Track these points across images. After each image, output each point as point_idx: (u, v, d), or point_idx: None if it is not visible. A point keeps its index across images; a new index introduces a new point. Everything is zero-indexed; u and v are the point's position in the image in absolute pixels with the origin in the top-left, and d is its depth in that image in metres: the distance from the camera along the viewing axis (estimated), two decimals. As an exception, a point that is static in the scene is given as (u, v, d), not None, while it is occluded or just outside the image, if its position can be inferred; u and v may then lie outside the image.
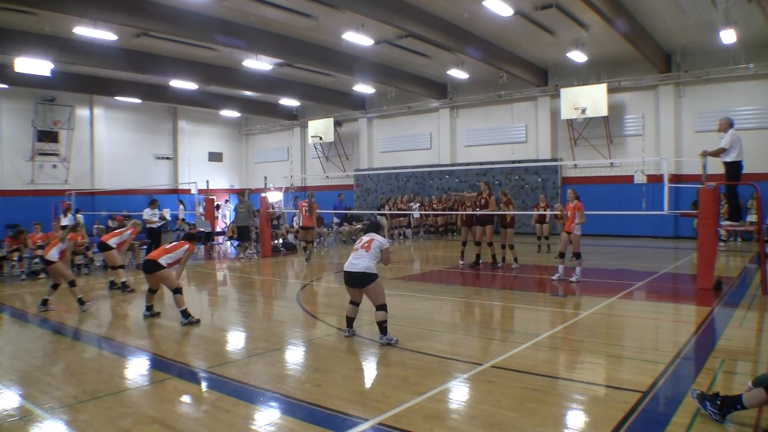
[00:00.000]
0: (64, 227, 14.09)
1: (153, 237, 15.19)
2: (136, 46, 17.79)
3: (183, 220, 22.18)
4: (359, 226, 20.60)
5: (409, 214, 21.04)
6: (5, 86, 20.50)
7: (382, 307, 6.04)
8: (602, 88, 19.15)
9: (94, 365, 5.70)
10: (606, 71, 19.88)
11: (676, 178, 18.05)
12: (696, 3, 14.02)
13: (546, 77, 21.53)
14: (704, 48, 17.88)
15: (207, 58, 19.48)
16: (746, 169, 9.58)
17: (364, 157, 27.00)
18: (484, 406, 4.21)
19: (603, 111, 19.10)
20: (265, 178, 21.17)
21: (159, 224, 15.70)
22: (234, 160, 31.99)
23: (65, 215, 16.99)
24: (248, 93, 25.54)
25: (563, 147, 21.35)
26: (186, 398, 4.64)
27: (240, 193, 20.45)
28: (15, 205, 21.51)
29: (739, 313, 7.32)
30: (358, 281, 6.12)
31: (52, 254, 8.38)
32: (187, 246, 7.74)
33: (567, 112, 19.90)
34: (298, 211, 16.13)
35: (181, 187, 27.12)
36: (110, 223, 19.89)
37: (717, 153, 9.17)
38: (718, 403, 3.76)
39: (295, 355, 5.99)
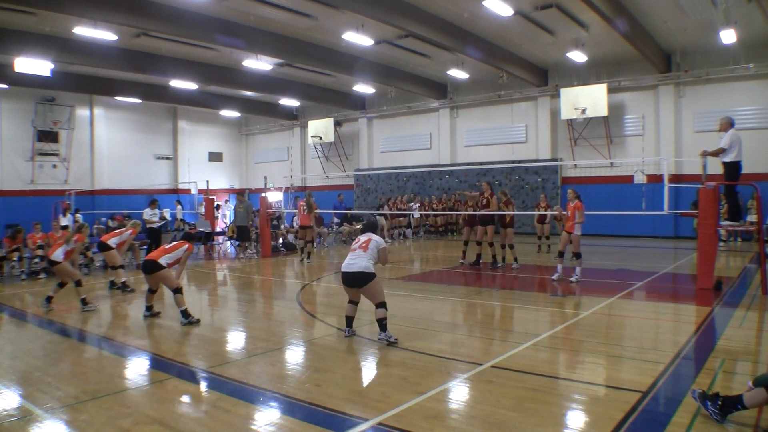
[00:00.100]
0: (64, 227, 14.15)
1: (153, 237, 15.20)
2: (136, 46, 17.80)
3: (181, 220, 22.17)
4: (359, 226, 20.61)
5: (409, 214, 21.04)
6: (5, 86, 20.50)
7: (381, 305, 6.06)
8: (602, 88, 19.16)
9: (94, 365, 5.70)
10: (606, 71, 19.88)
11: (676, 178, 18.05)
12: (696, 3, 14.02)
13: (546, 77, 21.53)
14: (704, 48, 17.88)
15: (207, 58, 19.48)
16: (746, 169, 9.58)
17: (364, 157, 27.00)
18: (484, 406, 4.21)
19: (603, 111, 19.10)
20: (265, 178, 21.17)
21: (159, 224, 15.71)
22: (234, 160, 32.00)
23: (65, 215, 17.00)
24: (248, 93, 25.54)
25: (563, 147, 21.35)
26: (186, 398, 4.64)
27: (239, 193, 20.47)
28: (15, 205, 21.50)
29: (739, 313, 7.32)
30: (356, 281, 6.13)
31: (57, 254, 8.39)
32: (186, 246, 7.74)
33: (567, 112, 19.90)
34: (297, 210, 16.13)
35: (181, 187, 27.13)
36: (110, 223, 19.87)
37: (717, 153, 9.17)
38: (719, 403, 3.76)
39: (295, 355, 5.99)
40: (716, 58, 17.95)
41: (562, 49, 17.96)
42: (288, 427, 3.93)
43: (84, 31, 14.63)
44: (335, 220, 21.22)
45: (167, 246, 7.80)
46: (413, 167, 23.82)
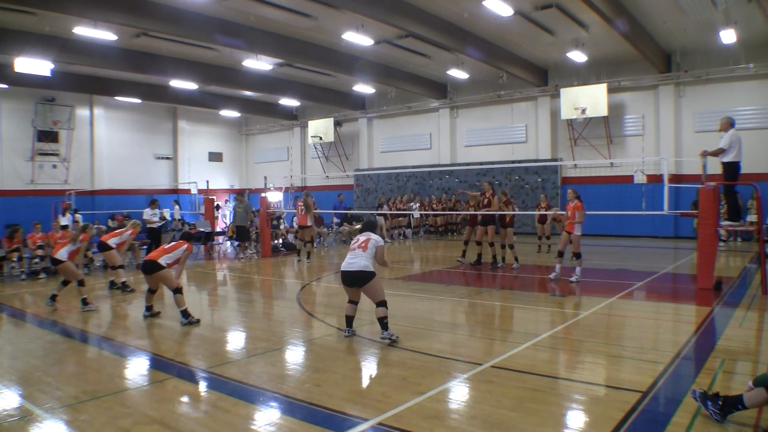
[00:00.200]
0: (64, 227, 14.14)
1: (153, 237, 15.20)
2: (136, 46, 17.79)
3: (179, 220, 22.16)
4: (358, 226, 20.61)
5: (409, 214, 21.04)
6: (5, 86, 20.50)
7: (382, 304, 6.08)
8: (602, 88, 19.15)
9: (94, 365, 5.71)
10: (606, 71, 19.88)
11: (676, 178, 18.05)
12: (696, 3, 14.02)
13: (546, 77, 21.53)
14: (704, 48, 17.88)
15: (207, 58, 19.48)
16: (746, 169, 9.58)
17: (364, 157, 27.00)
18: (484, 406, 4.21)
19: (603, 111, 19.10)
20: (265, 178, 21.16)
21: (159, 224, 15.71)
22: (234, 160, 31.99)
23: (64, 215, 17.00)
24: (248, 93, 25.54)
25: (563, 147, 21.35)
26: (186, 398, 4.64)
27: (239, 193, 20.47)
28: (15, 205, 21.49)
29: (739, 313, 7.32)
30: (356, 280, 6.14)
31: (61, 254, 8.40)
32: (186, 246, 7.74)
33: (567, 112, 19.90)
34: (296, 210, 16.14)
35: (181, 187, 27.12)
36: (110, 223, 19.89)
37: (716, 153, 9.18)
38: (720, 403, 3.76)
39: (295, 355, 5.99)
40: (716, 58, 17.95)
41: (562, 49, 17.96)
42: (288, 427, 3.93)
43: (84, 31, 14.63)
44: (335, 220, 21.22)
45: (166, 246, 7.80)
46: (413, 167, 23.82)
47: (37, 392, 4.70)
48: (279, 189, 23.32)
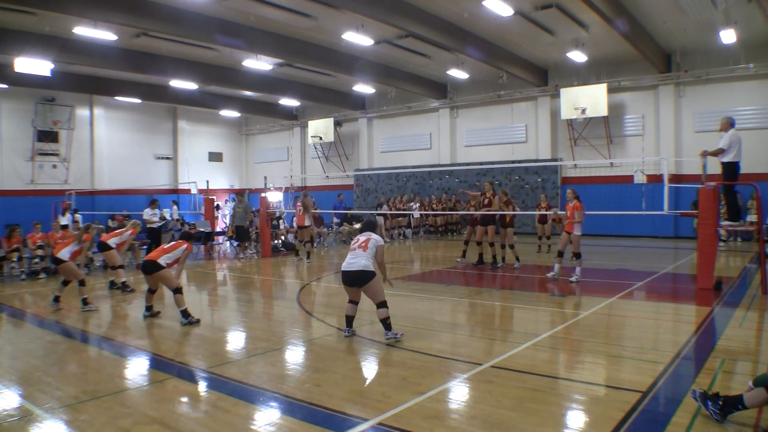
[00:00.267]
0: (64, 226, 14.14)
1: (153, 237, 15.20)
2: (136, 46, 17.79)
3: (178, 220, 22.16)
4: (357, 225, 20.60)
5: (409, 214, 21.04)
6: (5, 86, 20.50)
7: (382, 305, 6.08)
8: (602, 88, 19.15)
9: (94, 365, 5.71)
10: (606, 71, 19.88)
11: (676, 178, 18.05)
12: (696, 3, 14.02)
13: (546, 77, 21.53)
14: (704, 48, 17.88)
15: (207, 58, 19.48)
16: (746, 169, 9.59)
17: (364, 157, 27.00)
18: (484, 406, 4.21)
19: (603, 111, 19.10)
20: (265, 178, 21.16)
21: (159, 224, 15.71)
22: (234, 160, 31.99)
23: (64, 215, 17.00)
24: (248, 93, 25.54)
25: (563, 147, 21.34)
26: (186, 398, 4.64)
27: (238, 193, 20.47)
28: (15, 205, 21.48)
29: (739, 313, 7.32)
30: (356, 280, 6.14)
31: (63, 253, 8.40)
32: (185, 245, 7.74)
33: (567, 112, 19.89)
34: (296, 211, 16.16)
35: (181, 187, 27.12)
36: (110, 223, 19.89)
37: (716, 153, 9.18)
38: (720, 403, 3.76)
39: (295, 355, 5.99)
40: (716, 58, 17.94)
41: (562, 49, 17.96)
42: (288, 427, 3.93)
43: (84, 31, 14.63)
44: (335, 220, 21.22)
45: (166, 246, 7.79)
46: (413, 167, 23.82)
47: (37, 392, 4.70)
48: (279, 189, 23.32)
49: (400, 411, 4.10)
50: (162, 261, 7.38)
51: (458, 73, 20.63)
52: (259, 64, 18.75)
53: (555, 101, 20.92)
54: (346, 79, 22.07)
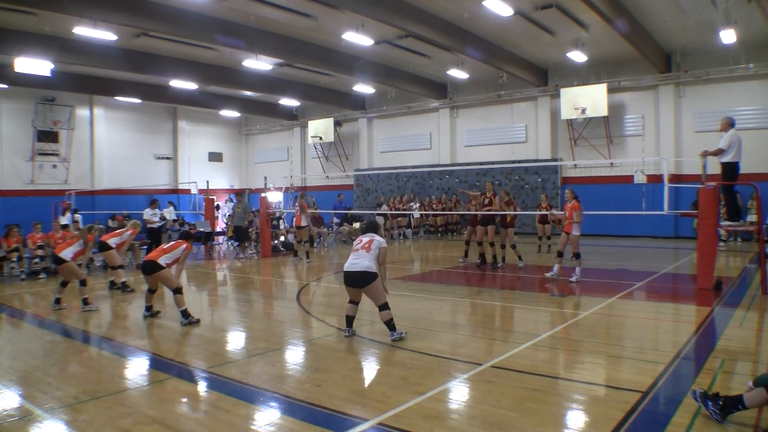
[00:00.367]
0: (64, 226, 14.14)
1: (153, 237, 15.20)
2: (136, 46, 17.79)
3: (175, 220, 22.15)
4: (357, 225, 20.61)
5: (409, 214, 21.04)
6: (5, 86, 20.49)
7: (384, 306, 6.09)
8: (602, 88, 19.16)
9: (94, 365, 5.71)
10: (606, 71, 19.88)
11: (676, 178, 18.06)
12: (696, 3, 14.02)
13: (546, 77, 21.53)
14: (704, 48, 17.88)
15: (207, 58, 19.48)
16: (746, 169, 9.59)
17: (364, 157, 27.00)
18: (484, 406, 4.21)
19: (603, 111, 19.10)
20: (265, 178, 21.15)
21: (159, 224, 15.71)
22: (234, 160, 31.99)
23: (64, 215, 17.01)
24: (248, 93, 25.54)
25: (563, 147, 21.35)
26: (186, 398, 4.64)
27: (237, 193, 20.48)
28: (15, 205, 21.48)
29: (739, 313, 7.32)
30: (359, 281, 6.13)
31: (65, 253, 8.40)
32: (185, 245, 7.74)
33: (567, 112, 19.90)
34: (295, 211, 16.19)
35: (181, 187, 27.12)
36: (110, 223, 19.89)
37: (716, 153, 9.19)
38: (720, 403, 3.76)
39: (295, 355, 5.99)
40: (716, 58, 17.95)
41: (562, 49, 17.96)
42: (288, 427, 3.93)
43: (84, 31, 14.62)
44: (335, 220, 21.22)
45: (165, 246, 7.79)
46: (413, 167, 23.82)
47: (37, 392, 4.70)
48: (279, 189, 23.32)
49: (400, 411, 4.10)
50: (162, 261, 7.37)
51: (458, 73, 20.63)
52: (259, 64, 18.75)
53: (555, 101, 20.92)
54: (346, 79, 22.07)
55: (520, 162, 21.82)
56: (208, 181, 19.23)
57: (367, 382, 5.06)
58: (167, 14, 14.28)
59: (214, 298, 10.08)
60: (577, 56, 18.04)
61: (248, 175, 32.12)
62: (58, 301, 8.45)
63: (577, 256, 10.07)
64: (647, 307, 8.39)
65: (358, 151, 27.40)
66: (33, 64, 16.65)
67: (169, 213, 23.05)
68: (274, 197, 24.36)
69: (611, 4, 13.67)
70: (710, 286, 8.82)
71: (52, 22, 15.00)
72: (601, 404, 4.25)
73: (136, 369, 5.55)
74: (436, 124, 24.63)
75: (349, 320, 6.38)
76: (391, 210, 20.86)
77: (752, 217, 14.79)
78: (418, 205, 21.54)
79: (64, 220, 16.24)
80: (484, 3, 13.08)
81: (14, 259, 12.39)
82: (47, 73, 17.47)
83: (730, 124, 9.24)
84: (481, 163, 22.64)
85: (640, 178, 19.24)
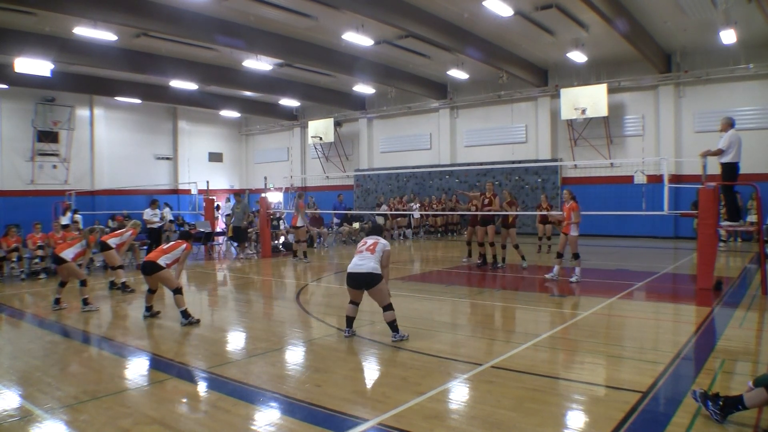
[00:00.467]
0: (65, 227, 14.14)
1: (153, 237, 15.20)
2: (136, 46, 17.79)
3: (171, 221, 22.15)
4: (357, 225, 20.61)
5: (409, 214, 21.04)
6: (5, 86, 20.49)
7: (388, 307, 6.10)
8: (602, 88, 19.16)
9: (94, 365, 5.71)
10: (606, 71, 19.88)
11: (676, 179, 18.07)
12: (696, 3, 14.02)
13: (546, 77, 21.53)
14: (704, 48, 17.88)
15: (207, 58, 19.48)
16: (746, 170, 9.59)
17: (364, 158, 27.00)
18: (484, 406, 4.21)
19: (603, 111, 19.10)
20: (265, 178, 21.20)
21: (159, 224, 15.70)
22: (234, 161, 31.99)
23: (64, 215, 17.00)
24: (248, 93, 25.53)
25: (563, 147, 21.35)
26: (186, 398, 4.64)
27: (236, 193, 20.49)
28: (15, 205, 21.48)
29: (739, 313, 7.32)
30: (363, 282, 6.13)
31: (66, 253, 8.40)
32: (184, 245, 7.74)
33: (567, 113, 19.90)
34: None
35: (181, 187, 27.12)
36: (110, 224, 19.89)
37: (716, 153, 9.19)
38: (720, 403, 3.76)
39: (295, 356, 5.99)
40: (716, 58, 17.95)
41: (562, 49, 17.96)
42: (288, 427, 3.93)
43: (84, 31, 14.63)
44: (335, 220, 21.22)
45: (165, 246, 7.79)
46: (413, 167, 23.81)
47: (37, 392, 4.70)
48: (279, 189, 23.32)
49: (401, 411, 4.10)
50: (162, 261, 7.37)
51: (458, 74, 20.63)
52: (259, 64, 18.75)
53: (555, 101, 20.93)
54: (346, 79, 22.07)
55: (520, 162, 21.82)
56: (208, 182, 19.25)
57: (367, 383, 5.06)
58: (167, 14, 14.28)
59: (214, 299, 10.08)
60: (577, 56, 18.04)
61: (248, 176, 32.12)
62: (57, 301, 8.46)
63: (575, 256, 10.07)
64: (647, 307, 8.39)
65: (358, 152, 27.40)
66: (33, 64, 16.65)
67: (167, 214, 23.04)
68: (274, 197, 24.36)
69: (611, 4, 13.67)
70: (710, 286, 8.82)
71: (52, 22, 15.00)
72: (601, 404, 4.25)
73: (136, 369, 5.55)
74: (436, 124, 24.64)
75: (350, 321, 6.38)
76: (391, 210, 20.86)
77: (752, 218, 14.80)
78: (418, 205, 21.54)
79: (65, 220, 16.23)
80: (484, 3, 13.09)
81: (14, 259, 12.39)
82: (47, 73, 17.47)
83: (730, 124, 9.24)
84: (481, 164, 22.64)
85: (640, 179, 19.24)
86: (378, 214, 21.43)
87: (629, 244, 17.44)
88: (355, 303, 6.36)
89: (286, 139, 30.51)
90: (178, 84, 21.44)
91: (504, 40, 17.69)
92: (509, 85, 21.72)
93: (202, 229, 16.72)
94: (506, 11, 13.65)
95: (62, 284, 8.55)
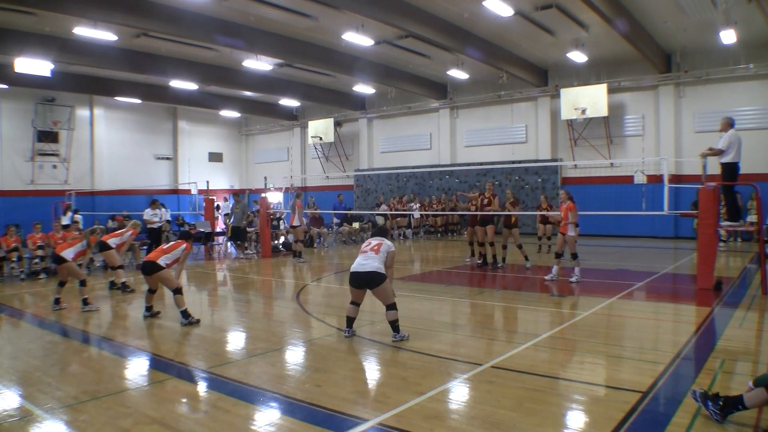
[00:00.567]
0: (65, 227, 14.15)
1: (153, 237, 15.20)
2: (136, 46, 17.79)
3: (167, 221, 22.12)
4: (357, 225, 20.61)
5: (409, 214, 21.04)
6: (5, 86, 20.50)
7: (392, 307, 6.10)
8: (602, 88, 19.16)
9: (94, 365, 5.70)
10: (606, 71, 19.88)
11: (676, 179, 18.07)
12: (696, 3, 14.02)
13: (546, 77, 21.53)
14: (704, 48, 17.88)
15: (207, 58, 19.48)
16: (746, 169, 9.59)
17: (364, 158, 27.00)
18: (484, 406, 4.21)
19: (603, 111, 19.10)
20: (265, 178, 21.20)
21: (159, 224, 15.71)
22: (234, 161, 31.99)
23: (65, 215, 17.01)
24: (248, 93, 25.53)
25: (563, 147, 21.34)
26: (186, 398, 4.64)
27: (235, 193, 20.50)
28: (15, 205, 21.48)
29: (739, 314, 7.32)
30: (367, 282, 6.13)
31: (67, 253, 8.40)
32: (184, 245, 7.74)
33: (567, 113, 19.90)
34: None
35: (181, 187, 27.12)
36: (110, 224, 19.87)
37: (716, 153, 9.20)
38: (720, 403, 3.76)
39: (295, 356, 5.99)
40: (716, 58, 17.95)
41: (562, 49, 17.96)
42: (288, 427, 3.93)
43: (84, 31, 14.63)
44: (335, 220, 21.23)
45: (165, 246, 7.79)
46: (413, 167, 23.81)
47: (37, 392, 4.70)
48: (279, 189, 23.32)
49: (401, 411, 4.10)
50: (161, 261, 7.37)
51: (458, 74, 20.63)
52: (259, 64, 18.75)
53: (555, 101, 20.93)
54: (346, 79, 22.07)
55: (520, 162, 21.82)
56: (208, 182, 19.26)
57: (367, 383, 5.06)
58: (167, 14, 14.28)
59: (214, 299, 10.08)
60: (577, 56, 18.04)
61: (248, 176, 32.12)
62: (57, 301, 8.46)
63: (574, 256, 10.07)
64: (647, 307, 8.39)
65: (358, 152, 27.39)
66: (33, 64, 16.65)
67: (164, 214, 23.03)
68: (274, 197, 24.36)
69: (611, 4, 13.68)
70: (710, 286, 8.82)
71: (52, 22, 15.00)
72: (601, 404, 4.25)
73: (136, 369, 5.55)
74: (436, 124, 24.63)
75: (350, 321, 6.38)
76: (390, 210, 20.86)
77: (752, 218, 14.80)
78: (418, 205, 21.54)
79: (65, 220, 16.24)
80: (484, 3, 13.09)
81: (14, 259, 12.39)
82: (47, 74, 17.47)
83: (729, 124, 9.24)
84: (481, 164, 22.63)
85: (640, 179, 19.24)
86: (378, 214, 21.43)
87: (629, 244, 17.44)
88: (356, 304, 6.35)
89: (286, 139, 30.51)
90: (178, 84, 21.44)
91: (504, 40, 17.69)
92: (509, 85, 21.72)
93: (202, 229, 16.72)
94: (506, 11, 13.65)
95: (61, 284, 8.55)
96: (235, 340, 6.78)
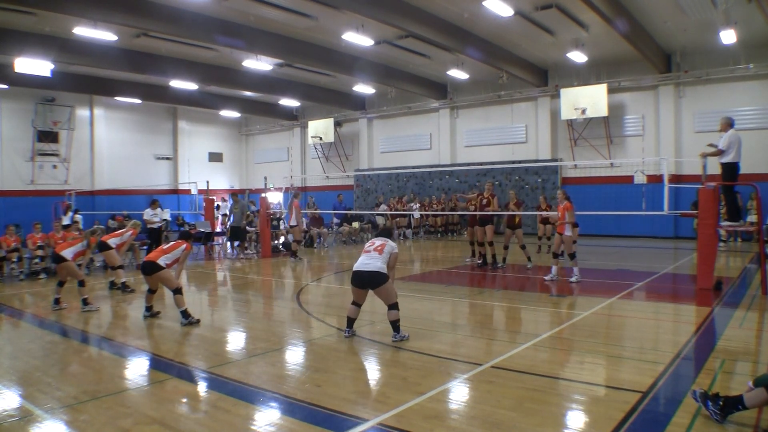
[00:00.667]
0: (66, 227, 14.14)
1: (153, 237, 15.20)
2: (136, 46, 17.80)
3: (165, 221, 22.12)
4: (357, 225, 20.60)
5: (409, 214, 21.04)
6: (5, 86, 20.50)
7: (394, 306, 6.09)
8: (602, 88, 19.16)
9: (94, 365, 5.70)
10: (606, 71, 19.88)
11: (676, 179, 18.07)
12: (696, 3, 14.02)
13: (546, 77, 21.53)
14: (704, 48, 17.88)
15: (207, 58, 19.48)
16: (746, 169, 9.59)
17: (364, 158, 27.00)
18: (484, 406, 4.21)
19: (603, 111, 19.11)
20: (265, 178, 21.18)
21: (159, 224, 15.71)
22: (234, 161, 31.99)
23: (65, 215, 17.01)
24: (248, 93, 25.54)
25: (563, 147, 21.35)
26: (186, 398, 4.64)
27: (234, 193, 20.50)
28: (15, 205, 21.49)
29: (739, 314, 7.32)
30: (370, 281, 6.12)
31: (67, 252, 8.39)
32: (184, 245, 7.74)
33: (567, 113, 19.90)
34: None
35: (181, 187, 27.12)
36: (110, 224, 19.89)
37: (716, 153, 9.20)
38: (720, 403, 3.76)
39: (295, 356, 5.99)
40: (716, 58, 17.95)
41: (562, 49, 17.96)
42: (288, 427, 3.93)
43: (84, 31, 14.63)
44: (335, 220, 21.22)
45: (165, 246, 7.79)
46: (413, 167, 23.81)
47: (37, 392, 4.70)
48: (279, 189, 23.32)
49: (401, 411, 4.10)
50: (161, 261, 7.37)
51: (458, 74, 20.63)
52: (259, 64, 18.75)
53: (555, 101, 20.93)
54: (346, 79, 22.07)
55: (520, 162, 21.82)
56: (208, 182, 19.25)
57: (367, 382, 5.06)
58: (167, 14, 14.29)
59: (214, 299, 10.08)
60: (577, 56, 18.04)
61: (248, 176, 32.12)
62: (57, 301, 8.46)
63: (571, 256, 10.08)
64: (647, 307, 8.39)
65: (358, 152, 27.39)
66: (33, 64, 16.65)
67: (164, 214, 23.05)
68: (274, 197, 24.35)
69: (611, 4, 13.68)
70: (710, 286, 8.82)
71: (52, 22, 15.00)
72: (601, 404, 4.25)
73: (136, 369, 5.55)
74: (436, 124, 24.63)
75: (350, 321, 6.37)
76: (390, 210, 20.86)
77: (752, 218, 14.80)
78: (418, 205, 21.54)
79: (66, 220, 16.24)
80: (484, 3, 13.09)
81: (14, 259, 12.38)
82: (47, 74, 17.47)
83: (729, 124, 9.25)
84: (481, 164, 22.64)
85: (640, 179, 19.25)
86: (378, 214, 21.43)
87: (629, 244, 17.45)
88: (357, 304, 6.34)
89: (286, 139, 30.51)
90: (178, 84, 21.44)
91: (504, 40, 17.69)
92: (509, 85, 21.72)
93: (202, 229, 16.72)
94: (506, 11, 13.65)
95: (61, 284, 8.55)
96: (235, 340, 6.78)
